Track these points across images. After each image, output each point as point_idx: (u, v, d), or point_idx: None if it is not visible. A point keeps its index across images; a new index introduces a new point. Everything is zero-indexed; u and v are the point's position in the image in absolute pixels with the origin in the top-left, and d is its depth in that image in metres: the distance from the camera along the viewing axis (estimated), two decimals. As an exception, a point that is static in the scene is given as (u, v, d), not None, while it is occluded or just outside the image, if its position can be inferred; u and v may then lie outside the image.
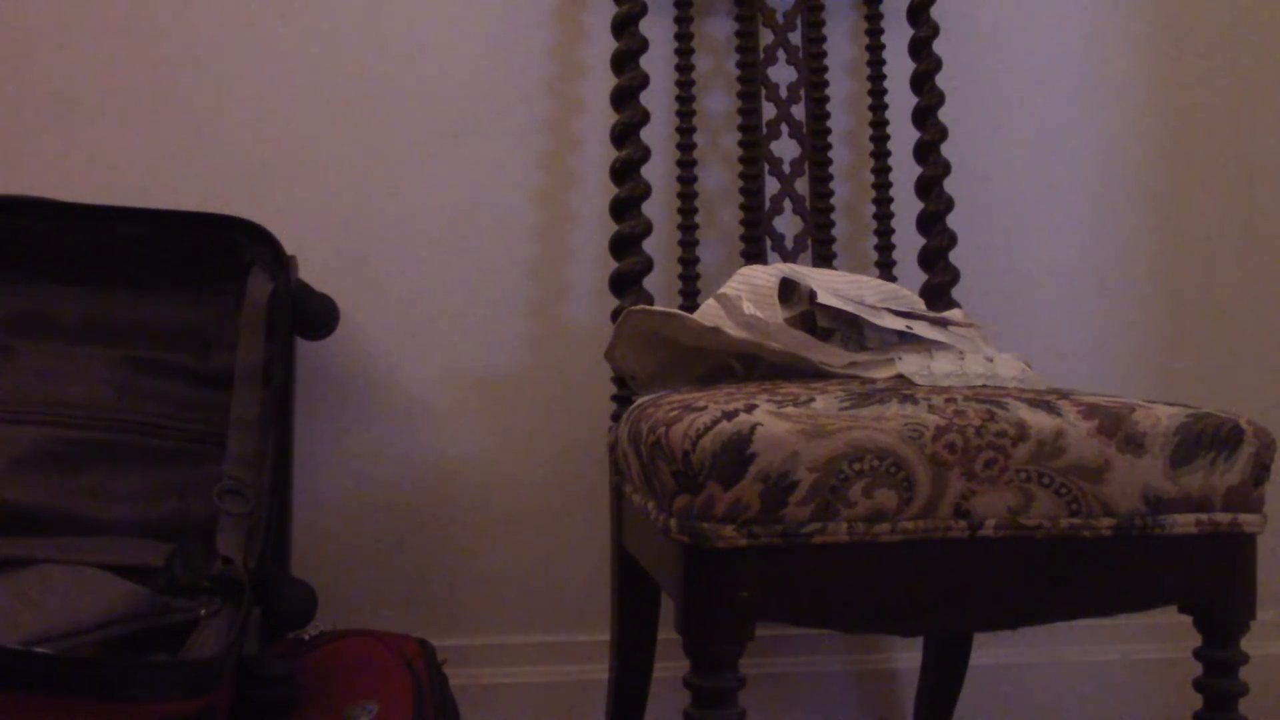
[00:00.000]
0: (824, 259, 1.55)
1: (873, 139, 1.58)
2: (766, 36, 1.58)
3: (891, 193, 1.57)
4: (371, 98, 1.61)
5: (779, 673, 1.65)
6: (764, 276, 1.32)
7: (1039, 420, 1.06)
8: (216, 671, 1.04)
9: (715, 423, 1.01)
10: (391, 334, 1.61)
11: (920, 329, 1.29)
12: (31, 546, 1.23)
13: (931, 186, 1.55)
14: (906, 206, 1.57)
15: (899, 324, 1.29)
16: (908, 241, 1.56)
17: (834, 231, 1.56)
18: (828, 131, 1.57)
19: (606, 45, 1.54)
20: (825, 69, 1.58)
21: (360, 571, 1.60)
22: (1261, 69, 1.77)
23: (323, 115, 1.60)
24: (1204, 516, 1.09)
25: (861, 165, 1.66)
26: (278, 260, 1.39)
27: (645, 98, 1.51)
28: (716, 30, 1.66)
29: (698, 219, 1.53)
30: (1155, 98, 1.75)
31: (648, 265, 1.48)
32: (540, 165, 1.64)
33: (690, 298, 1.50)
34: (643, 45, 1.52)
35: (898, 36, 1.59)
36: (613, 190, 1.50)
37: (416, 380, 1.61)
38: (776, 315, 1.28)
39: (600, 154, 1.60)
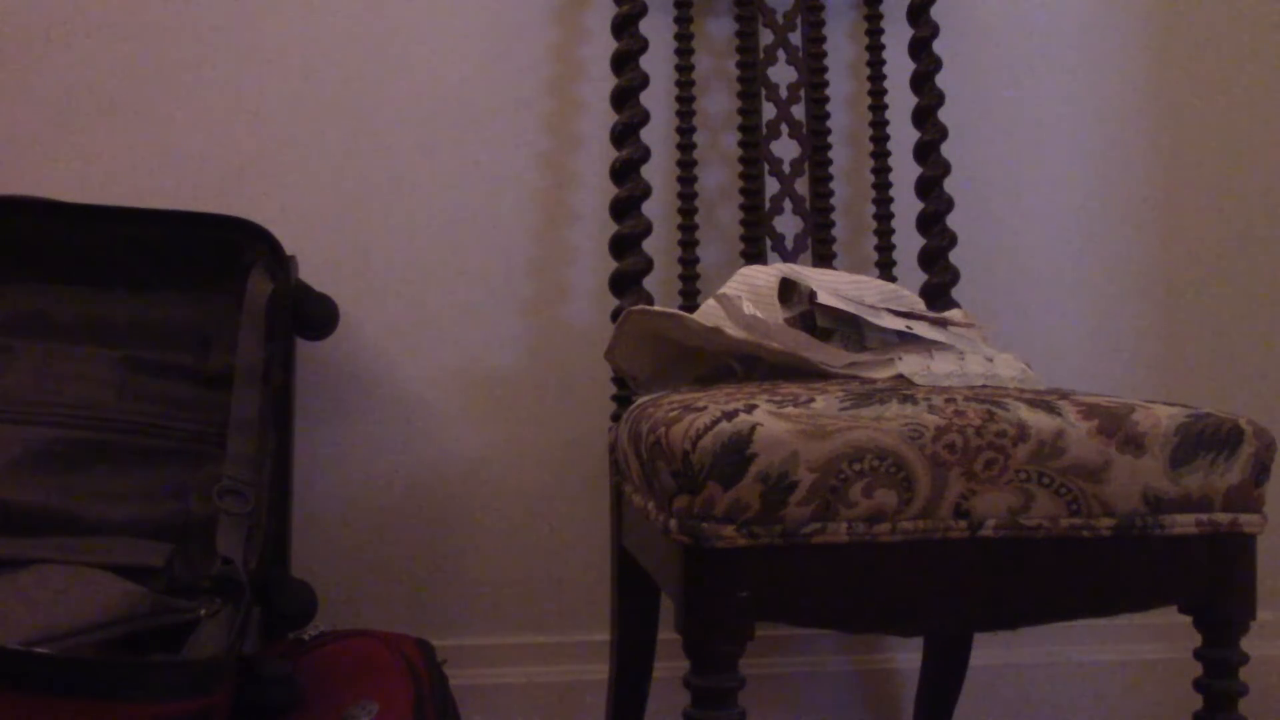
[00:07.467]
0: (824, 259, 1.55)
1: (873, 139, 1.58)
2: (766, 36, 1.58)
3: (891, 193, 1.57)
4: (372, 98, 1.61)
5: (779, 673, 1.65)
6: (764, 276, 1.32)
7: (1039, 420, 1.06)
8: (217, 671, 1.04)
9: (715, 423, 1.01)
10: (391, 334, 1.61)
11: (920, 329, 1.29)
12: (31, 546, 1.23)
13: (931, 186, 1.55)
14: (906, 206, 1.57)
15: (899, 324, 1.29)
16: (908, 241, 1.56)
17: (834, 231, 1.56)
18: (828, 131, 1.57)
19: (606, 45, 1.54)
20: (825, 69, 1.58)
21: (360, 571, 1.60)
22: (1261, 69, 1.77)
23: (323, 115, 1.60)
24: (1204, 517, 1.09)
25: (861, 165, 1.66)
26: (278, 260, 1.39)
27: (645, 98, 1.51)
28: (716, 30, 1.66)
29: (698, 219, 1.53)
30: (1154, 97, 1.75)
31: (648, 265, 1.48)
32: (540, 165, 1.64)
33: (690, 298, 1.50)
34: (643, 45, 1.52)
35: (898, 36, 1.60)
36: (613, 190, 1.50)
37: (416, 380, 1.61)
38: (776, 315, 1.28)
39: (600, 154, 1.60)
